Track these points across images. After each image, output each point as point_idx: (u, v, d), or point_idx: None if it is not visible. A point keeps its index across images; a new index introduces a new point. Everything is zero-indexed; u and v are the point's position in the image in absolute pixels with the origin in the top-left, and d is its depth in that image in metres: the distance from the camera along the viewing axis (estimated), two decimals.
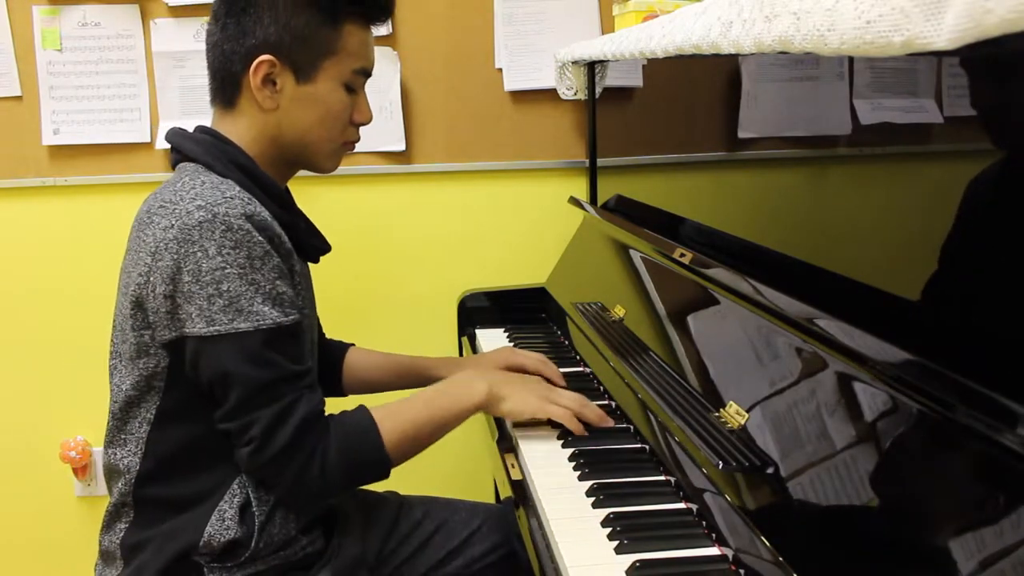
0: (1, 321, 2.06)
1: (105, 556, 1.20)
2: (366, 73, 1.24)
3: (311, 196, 2.06)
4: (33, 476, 2.11)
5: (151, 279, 1.08)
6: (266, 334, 1.07)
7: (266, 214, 1.11)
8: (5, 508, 2.12)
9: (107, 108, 2.00)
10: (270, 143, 1.20)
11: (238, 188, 1.11)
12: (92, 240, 2.04)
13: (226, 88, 1.20)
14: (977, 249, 0.81)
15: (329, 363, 1.48)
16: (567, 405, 1.24)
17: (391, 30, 2.01)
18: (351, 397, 1.47)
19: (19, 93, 1.98)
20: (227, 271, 1.06)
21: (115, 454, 1.17)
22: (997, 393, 0.69)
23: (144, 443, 1.14)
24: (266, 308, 1.07)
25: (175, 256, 1.06)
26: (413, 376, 1.51)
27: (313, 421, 1.10)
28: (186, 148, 1.18)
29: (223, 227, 1.06)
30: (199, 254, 1.06)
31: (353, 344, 1.55)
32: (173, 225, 1.07)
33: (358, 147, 2.02)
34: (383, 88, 2.01)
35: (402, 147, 2.05)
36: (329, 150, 1.25)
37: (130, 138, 1.99)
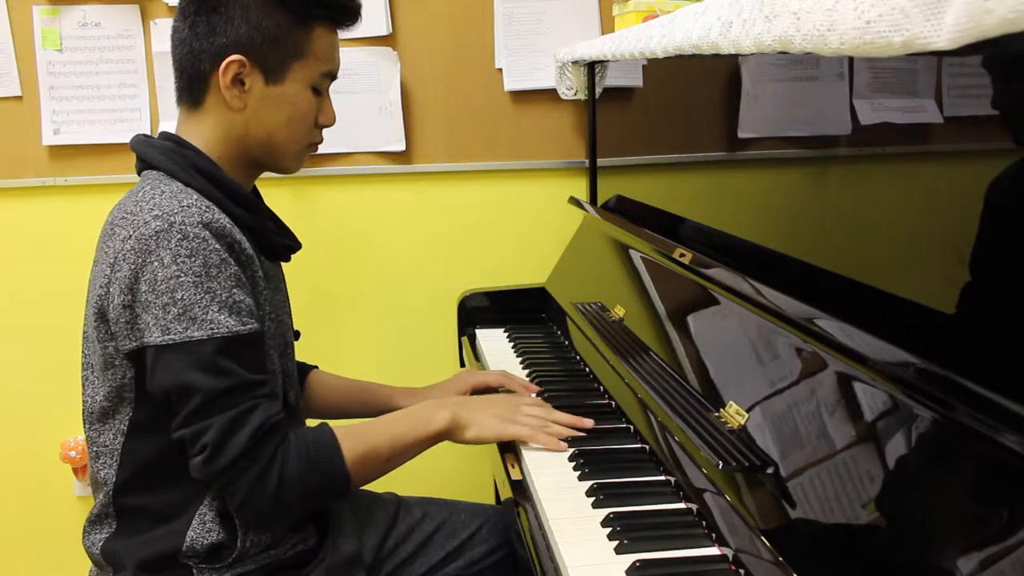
0: (1, 321, 2.06)
1: (92, 559, 1.20)
2: (332, 76, 1.24)
3: (309, 196, 2.07)
4: (33, 476, 2.11)
5: (111, 290, 1.08)
6: (221, 342, 1.05)
7: (225, 221, 1.10)
8: (5, 508, 2.13)
9: (107, 108, 2.00)
10: (236, 144, 1.20)
11: (196, 196, 1.10)
12: (92, 240, 2.03)
13: (193, 87, 1.19)
14: (977, 249, 0.81)
15: None
16: (528, 422, 1.23)
17: (391, 30, 2.01)
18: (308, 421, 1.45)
19: (19, 93, 1.98)
20: (182, 279, 1.05)
21: (94, 465, 1.17)
22: (997, 393, 0.69)
23: (119, 454, 1.14)
24: (221, 316, 1.06)
25: (132, 266, 1.06)
26: (374, 403, 1.49)
27: (269, 430, 1.07)
28: (148, 156, 1.17)
29: (179, 235, 1.05)
30: (155, 263, 1.05)
31: (316, 367, 1.53)
32: (131, 236, 1.07)
33: (358, 147, 2.06)
34: (383, 88, 2.01)
35: (402, 147, 2.05)
36: (294, 151, 1.24)
37: (130, 138, 1.99)
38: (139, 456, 1.13)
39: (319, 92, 1.23)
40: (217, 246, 1.07)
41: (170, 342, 1.04)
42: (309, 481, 1.09)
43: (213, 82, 1.16)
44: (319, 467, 1.10)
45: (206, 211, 1.09)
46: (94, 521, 1.18)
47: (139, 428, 1.13)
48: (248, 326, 1.08)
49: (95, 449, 1.16)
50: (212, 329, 1.05)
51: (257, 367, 1.10)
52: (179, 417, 1.06)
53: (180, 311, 1.04)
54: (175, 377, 1.05)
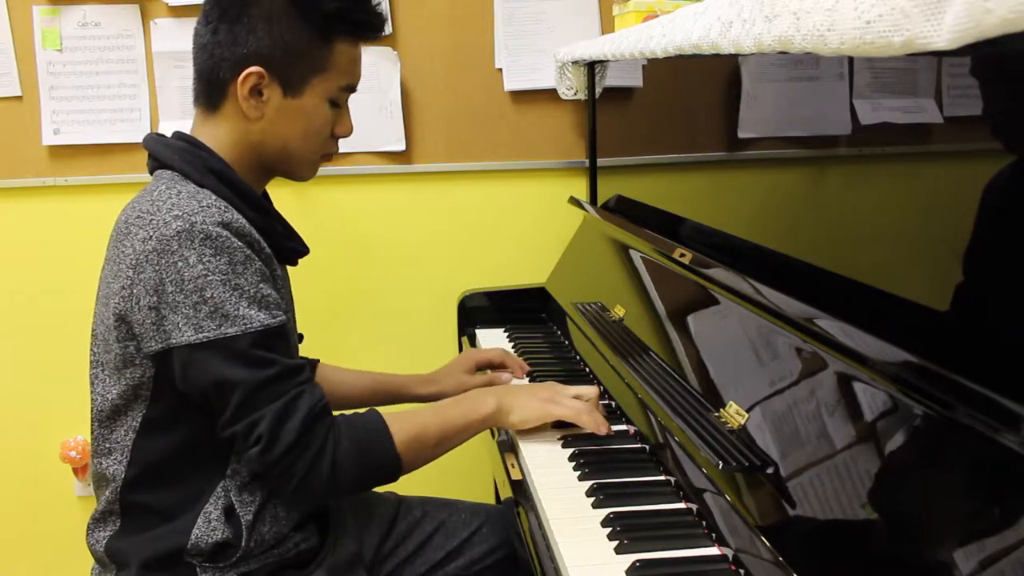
0: (1, 321, 2.06)
1: (95, 557, 1.20)
2: (352, 89, 1.24)
3: (310, 196, 2.07)
4: (33, 476, 2.11)
5: (134, 291, 1.08)
6: (255, 336, 1.07)
7: (243, 221, 1.11)
8: (5, 508, 2.13)
9: (107, 108, 2.00)
10: (250, 150, 1.20)
11: (214, 197, 1.11)
12: (92, 240, 2.03)
13: (211, 92, 1.19)
14: (977, 249, 0.81)
15: None
16: (572, 404, 1.24)
17: (391, 30, 2.01)
18: None
19: (19, 93, 1.98)
20: (210, 278, 1.05)
21: (101, 462, 1.17)
22: (997, 393, 0.69)
23: (130, 451, 1.14)
24: (252, 311, 1.07)
25: (156, 268, 1.06)
26: (386, 393, 1.51)
27: (319, 414, 1.09)
28: (162, 155, 1.17)
29: (202, 235, 1.06)
30: (180, 264, 1.05)
31: (318, 360, 1.52)
32: (151, 237, 1.07)
33: (358, 147, 2.06)
34: (383, 88, 2.01)
35: (402, 147, 2.05)
36: (309, 161, 1.24)
37: (130, 138, 1.99)
38: (150, 454, 1.14)
39: (337, 104, 1.23)
40: (240, 243, 1.08)
41: (204, 340, 1.05)
42: (361, 464, 1.11)
43: (231, 90, 1.17)
44: (370, 450, 1.12)
45: (225, 211, 1.10)
46: (98, 519, 1.18)
47: (152, 425, 1.13)
48: (278, 318, 1.10)
49: (106, 446, 1.16)
50: (246, 324, 1.06)
51: (292, 355, 1.12)
52: (226, 414, 1.07)
53: (211, 309, 1.05)
54: (213, 374, 1.06)
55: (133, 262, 1.08)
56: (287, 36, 1.15)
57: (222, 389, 1.06)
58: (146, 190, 1.15)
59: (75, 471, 2.10)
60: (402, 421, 1.16)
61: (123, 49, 1.99)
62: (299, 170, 1.25)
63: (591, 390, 1.28)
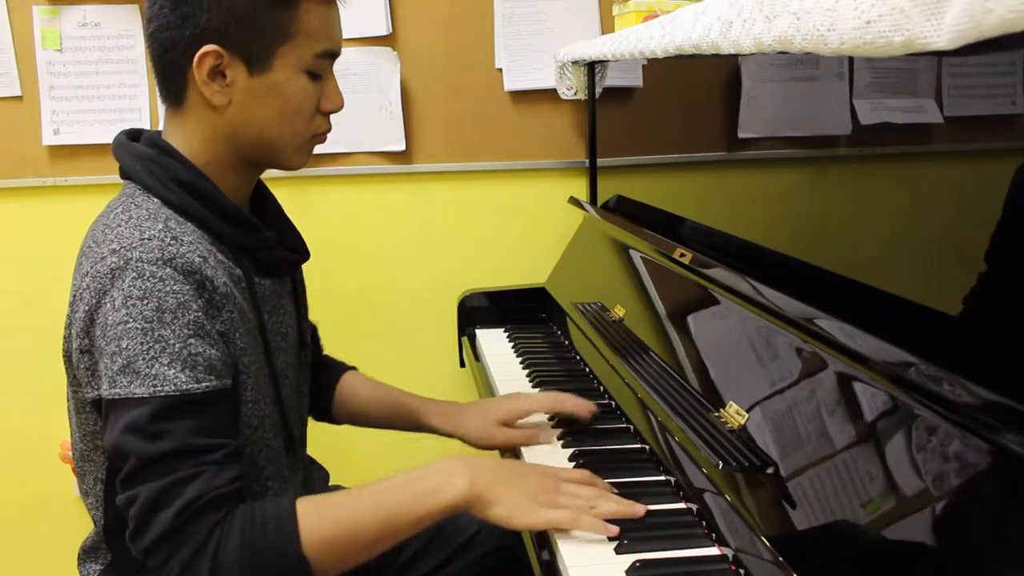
0: (1, 321, 2.07)
1: None
2: (332, 55, 1.07)
3: (310, 196, 2.07)
4: (33, 476, 2.11)
5: (71, 331, 0.99)
6: (164, 401, 0.92)
7: (195, 255, 0.97)
8: (5, 507, 2.13)
9: (107, 108, 2.00)
10: (225, 145, 1.06)
11: (162, 225, 0.98)
12: None
13: (170, 84, 1.05)
14: (977, 249, 0.81)
15: (321, 384, 1.37)
16: (569, 503, 0.99)
17: (391, 30, 2.01)
18: (346, 427, 1.41)
19: (19, 93, 1.98)
20: (130, 326, 0.92)
21: (84, 500, 1.11)
22: (997, 393, 0.69)
23: (102, 500, 1.07)
24: (171, 371, 0.92)
25: (87, 307, 0.95)
26: (403, 417, 1.35)
27: (207, 504, 0.91)
28: (127, 165, 1.06)
29: (134, 274, 0.93)
30: (108, 306, 0.94)
31: (354, 368, 1.42)
32: (88, 272, 0.97)
33: (358, 147, 2.06)
34: (383, 88, 2.01)
35: (402, 147, 2.05)
36: (295, 146, 1.09)
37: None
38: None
39: (317, 75, 1.07)
40: (176, 287, 0.95)
41: (115, 397, 0.93)
42: (251, 569, 0.91)
43: (191, 78, 1.02)
44: (265, 552, 0.91)
45: (170, 244, 0.96)
46: (88, 551, 1.14)
47: (115, 478, 1.01)
48: (203, 384, 0.94)
49: (83, 487, 1.10)
50: (155, 386, 0.92)
51: (208, 430, 0.94)
52: (118, 480, 0.94)
53: (124, 362, 0.92)
54: (114, 436, 0.93)
55: (71, 298, 1.00)
56: (239, 4, 1.00)
57: (120, 456, 0.93)
58: (108, 206, 1.06)
59: (75, 471, 2.10)
60: (323, 512, 0.94)
61: (123, 49, 1.99)
62: (285, 157, 1.09)
63: (590, 477, 1.04)
